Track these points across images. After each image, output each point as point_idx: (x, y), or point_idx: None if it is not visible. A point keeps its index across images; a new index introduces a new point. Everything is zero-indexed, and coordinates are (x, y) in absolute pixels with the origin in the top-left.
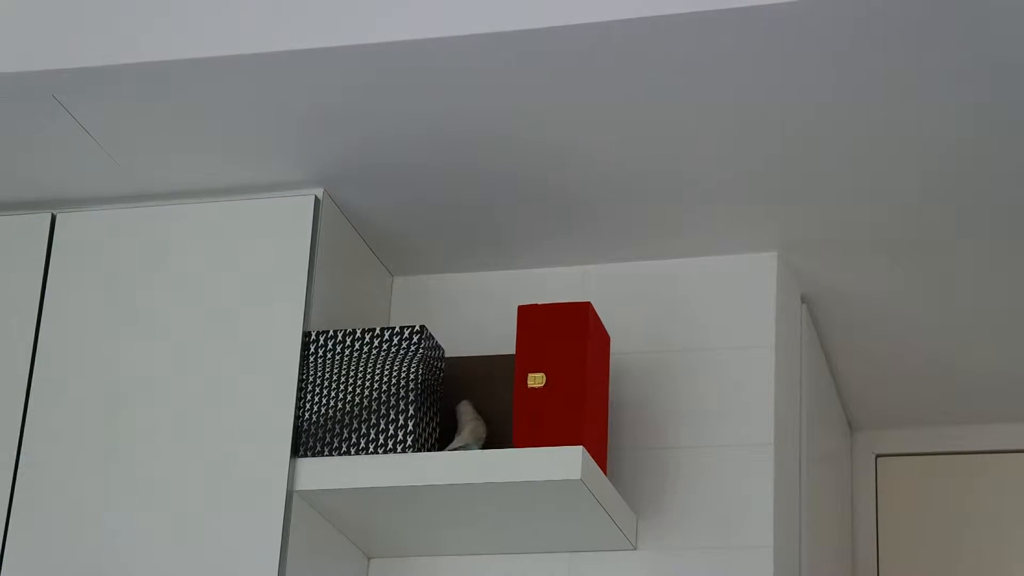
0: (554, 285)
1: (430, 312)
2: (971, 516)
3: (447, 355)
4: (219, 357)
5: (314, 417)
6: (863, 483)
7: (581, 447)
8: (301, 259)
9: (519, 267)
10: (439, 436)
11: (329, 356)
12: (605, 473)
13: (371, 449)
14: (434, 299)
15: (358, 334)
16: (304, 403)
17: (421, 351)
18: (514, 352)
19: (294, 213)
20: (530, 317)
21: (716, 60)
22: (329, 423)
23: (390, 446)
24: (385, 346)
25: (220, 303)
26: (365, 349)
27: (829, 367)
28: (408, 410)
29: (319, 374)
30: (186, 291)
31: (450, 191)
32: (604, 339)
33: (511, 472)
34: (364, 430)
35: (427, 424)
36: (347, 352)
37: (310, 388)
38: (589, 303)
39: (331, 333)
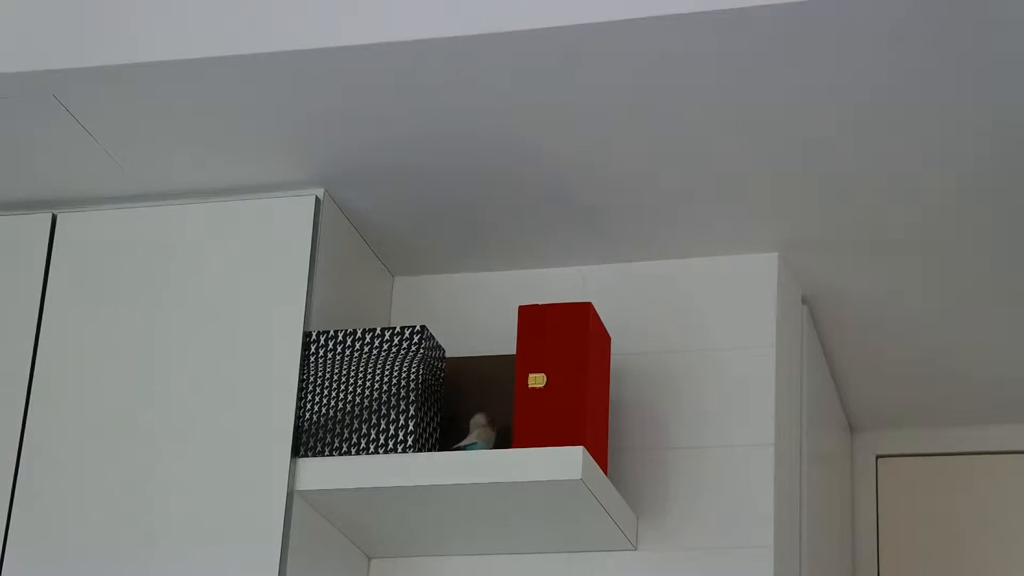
0: (555, 285)
1: (431, 312)
2: (971, 517)
3: (448, 355)
4: (219, 357)
5: (315, 417)
6: (863, 484)
7: (582, 447)
8: (302, 259)
9: (520, 267)
10: (440, 436)
11: (330, 356)
12: (606, 473)
13: (372, 449)
14: (435, 299)
15: (359, 334)
16: (305, 403)
17: (422, 351)
18: (515, 352)
19: (295, 213)
20: (531, 317)
21: (718, 60)
22: (330, 423)
23: (391, 446)
24: (386, 346)
25: (220, 303)
26: (366, 349)
27: (830, 368)
28: (409, 410)
29: (320, 374)
30: (186, 291)
31: (451, 191)
32: (605, 339)
33: (512, 472)
34: (365, 430)
35: (428, 424)
36: (348, 352)
37: (311, 388)
38: (590, 303)
39: (332, 333)
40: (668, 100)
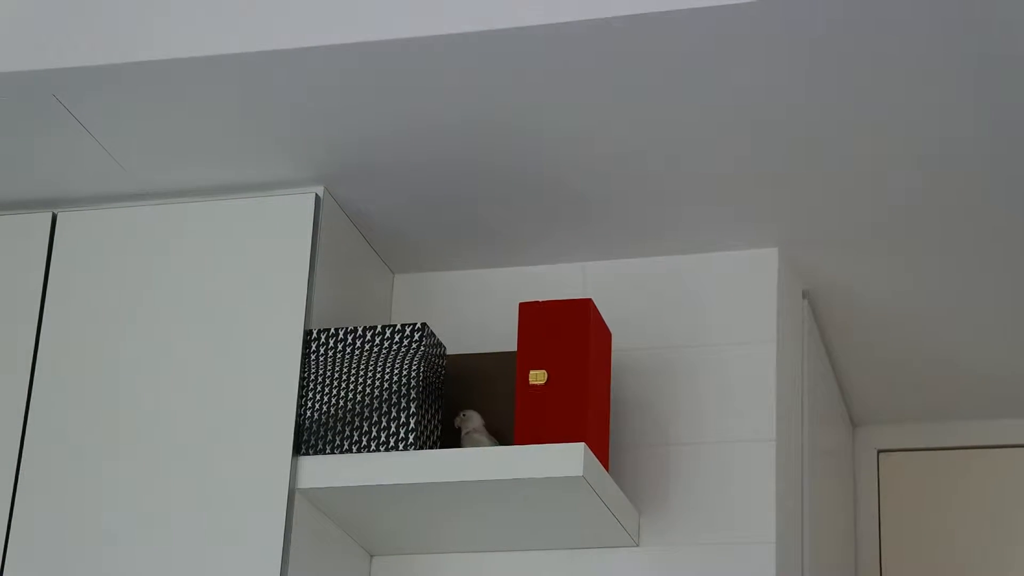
0: (555, 282)
1: (431, 309)
2: (973, 511)
3: (448, 352)
4: (220, 355)
5: (316, 415)
6: (865, 478)
7: (583, 444)
8: (302, 257)
9: (520, 264)
10: (441, 434)
11: (330, 354)
12: (607, 470)
13: (373, 447)
14: (435, 296)
15: (359, 332)
16: (306, 401)
17: (423, 348)
18: (516, 349)
19: (295, 211)
20: (531, 314)
21: (718, 56)
22: (331, 421)
23: (392, 444)
24: (386, 344)
25: (221, 302)
26: (367, 347)
27: (831, 363)
28: (410, 408)
29: (321, 372)
30: (187, 290)
31: (451, 188)
32: (605, 335)
33: (513, 469)
34: (366, 428)
35: (429, 421)
36: (348, 350)
37: (312, 386)
38: (590, 300)
39: (332, 331)
40: (669, 97)
